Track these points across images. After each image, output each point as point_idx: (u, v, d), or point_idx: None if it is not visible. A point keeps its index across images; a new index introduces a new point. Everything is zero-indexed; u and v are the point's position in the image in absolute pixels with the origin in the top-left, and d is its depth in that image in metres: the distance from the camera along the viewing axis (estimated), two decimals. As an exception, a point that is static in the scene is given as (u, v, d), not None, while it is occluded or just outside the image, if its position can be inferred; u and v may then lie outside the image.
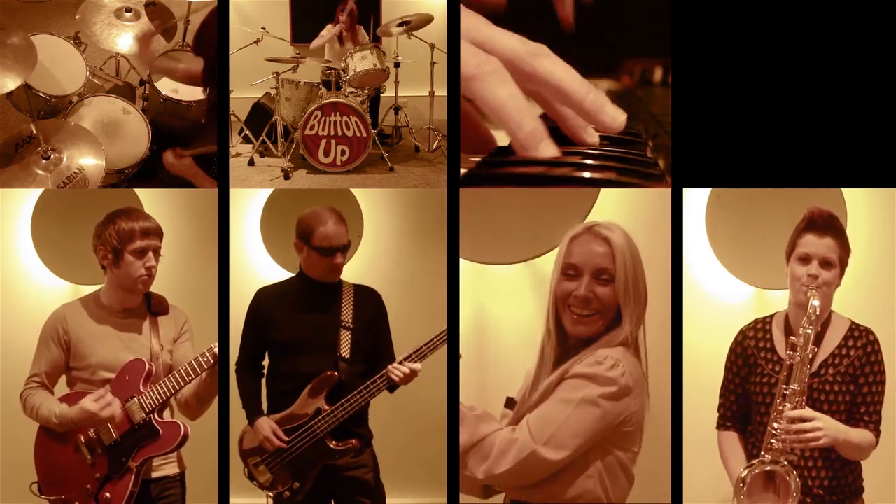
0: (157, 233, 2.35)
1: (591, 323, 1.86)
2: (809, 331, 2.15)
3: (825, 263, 2.21)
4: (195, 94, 3.36)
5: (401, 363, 2.39)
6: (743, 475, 2.16)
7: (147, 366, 2.30)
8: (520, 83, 1.25)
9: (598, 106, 1.31)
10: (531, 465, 1.77)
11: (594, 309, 1.85)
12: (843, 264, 2.24)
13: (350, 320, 2.48)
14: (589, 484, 1.80)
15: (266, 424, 2.42)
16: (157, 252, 2.35)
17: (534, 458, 1.76)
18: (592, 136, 1.49)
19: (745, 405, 2.34)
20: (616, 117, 1.31)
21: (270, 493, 2.44)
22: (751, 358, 2.32)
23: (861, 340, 2.25)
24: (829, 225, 2.23)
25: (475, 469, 1.82)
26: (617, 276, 1.84)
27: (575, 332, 1.88)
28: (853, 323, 2.29)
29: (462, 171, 2.13)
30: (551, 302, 1.92)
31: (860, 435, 2.21)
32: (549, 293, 1.94)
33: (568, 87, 1.28)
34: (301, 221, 2.49)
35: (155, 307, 2.40)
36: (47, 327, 2.38)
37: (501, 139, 2.12)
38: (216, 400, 2.40)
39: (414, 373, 2.38)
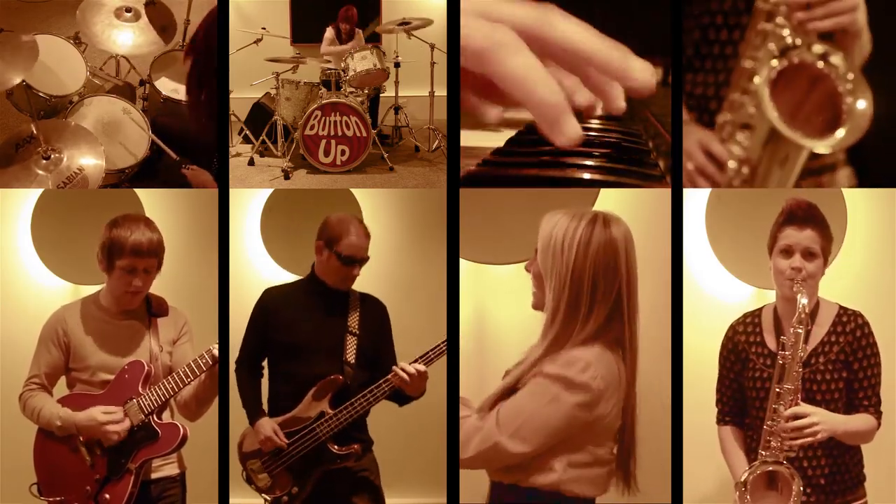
0: (151, 250, 2.28)
1: (534, 295, 1.88)
2: (800, 330, 2.12)
3: (808, 254, 2.18)
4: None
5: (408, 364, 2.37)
6: (744, 478, 2.14)
7: (146, 367, 2.30)
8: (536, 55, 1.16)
9: (626, 64, 1.19)
10: (493, 455, 1.78)
11: (531, 281, 1.88)
12: (826, 253, 2.21)
13: (356, 326, 2.48)
14: (554, 476, 1.80)
15: (267, 424, 2.42)
16: (149, 270, 2.30)
17: (496, 449, 1.77)
18: (620, 98, 1.39)
19: (741, 399, 2.33)
20: (644, 70, 1.19)
21: (268, 497, 2.42)
22: (742, 353, 2.31)
23: (850, 325, 2.23)
24: (809, 216, 2.19)
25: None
26: (539, 249, 1.84)
27: (532, 305, 1.90)
28: (841, 307, 2.26)
29: (467, 165, 2.13)
30: None
31: (860, 421, 2.19)
32: None
33: (590, 49, 1.18)
34: (329, 225, 2.47)
35: (155, 309, 2.39)
36: (47, 328, 2.37)
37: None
38: (216, 401, 2.40)
39: (421, 375, 2.35)
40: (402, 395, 2.40)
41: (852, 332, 2.22)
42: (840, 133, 1.79)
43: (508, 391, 1.82)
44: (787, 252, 2.20)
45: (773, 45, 1.88)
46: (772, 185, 1.86)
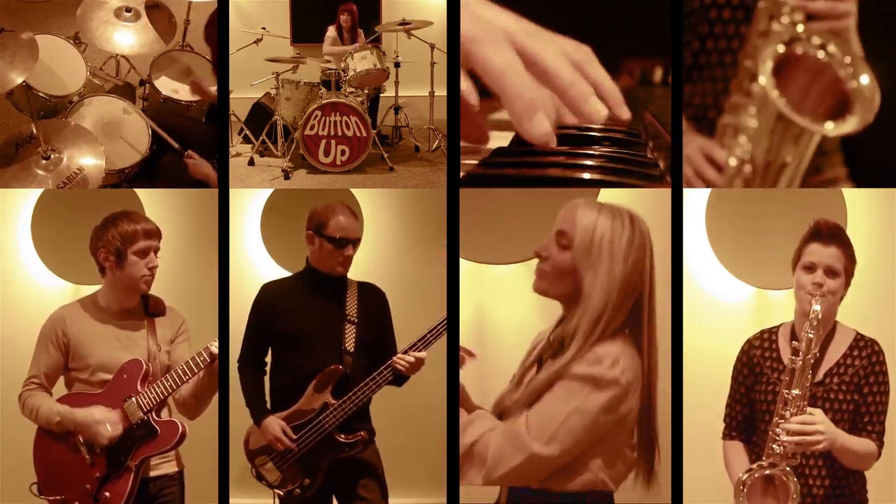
0: (157, 234, 2.37)
1: (544, 278, 1.85)
2: (811, 335, 2.14)
3: (830, 272, 2.20)
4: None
5: (405, 353, 2.40)
6: (743, 478, 2.15)
7: (144, 366, 2.31)
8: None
9: (583, 96, 1.23)
10: (532, 467, 1.76)
11: (548, 267, 1.84)
12: (849, 274, 2.23)
13: (355, 314, 2.49)
14: (589, 476, 1.80)
15: (275, 424, 2.42)
16: (156, 252, 2.37)
17: (532, 460, 1.75)
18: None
19: (750, 415, 2.34)
20: (598, 111, 1.24)
21: (280, 492, 2.43)
22: (757, 367, 2.32)
23: (866, 350, 2.25)
24: (835, 235, 2.23)
25: (474, 476, 1.80)
26: (574, 242, 1.82)
27: (535, 288, 1.87)
28: (858, 333, 2.29)
29: (463, 169, 2.13)
30: None
31: (861, 444, 2.20)
32: None
33: (556, 72, 1.22)
34: (315, 213, 2.50)
35: (152, 308, 2.40)
36: (46, 329, 2.38)
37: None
38: (215, 399, 2.40)
39: (419, 361, 2.39)
40: (400, 377, 2.43)
41: (868, 357, 2.24)
42: (852, 117, 1.79)
43: (539, 394, 1.81)
44: (810, 268, 2.22)
45: (775, 41, 1.89)
46: (787, 161, 1.85)
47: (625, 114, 1.37)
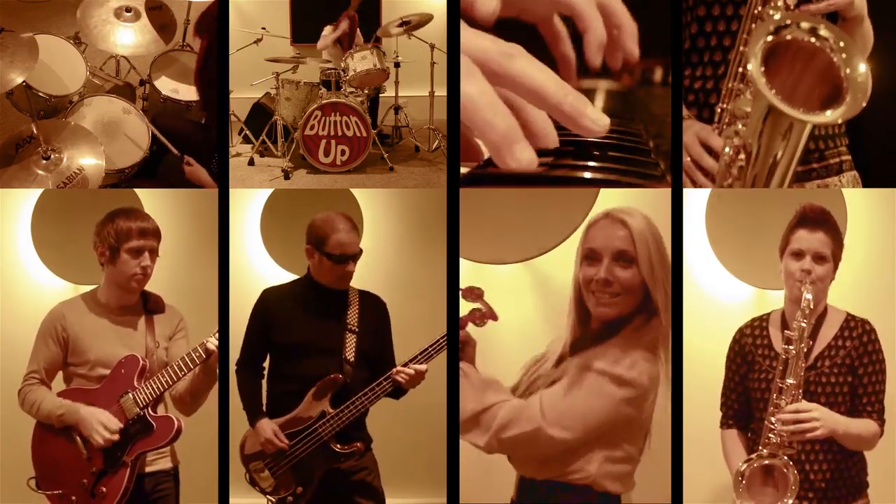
0: (155, 234, 2.37)
1: (614, 304, 1.88)
2: (804, 324, 2.15)
3: (818, 258, 2.21)
4: (195, 93, 3.36)
5: (406, 365, 2.37)
6: (742, 469, 2.16)
7: (141, 362, 2.32)
8: (491, 84, 1.17)
9: (578, 110, 1.21)
10: (535, 439, 1.80)
11: (615, 291, 1.87)
12: (837, 259, 2.24)
13: (356, 324, 2.47)
14: (591, 468, 1.82)
15: (267, 426, 2.41)
16: (153, 252, 2.37)
17: (539, 434, 1.80)
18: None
19: (745, 403, 2.34)
20: (598, 120, 1.20)
21: (272, 498, 2.43)
22: (749, 356, 2.33)
23: (857, 331, 2.24)
24: (821, 220, 2.22)
25: (477, 438, 1.85)
26: (639, 257, 1.85)
27: (598, 314, 1.90)
28: (849, 314, 2.28)
29: (462, 171, 2.14)
30: (574, 287, 1.96)
31: (863, 425, 2.20)
32: (572, 279, 1.98)
33: (544, 89, 1.19)
34: (314, 227, 2.47)
35: (151, 306, 2.41)
36: (45, 324, 2.39)
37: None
38: (212, 395, 2.40)
39: (420, 374, 2.36)
40: (399, 389, 2.41)
41: (859, 337, 2.23)
42: (842, 105, 1.77)
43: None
44: (798, 255, 2.22)
45: (767, 27, 1.88)
46: (775, 156, 1.85)
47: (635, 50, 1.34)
